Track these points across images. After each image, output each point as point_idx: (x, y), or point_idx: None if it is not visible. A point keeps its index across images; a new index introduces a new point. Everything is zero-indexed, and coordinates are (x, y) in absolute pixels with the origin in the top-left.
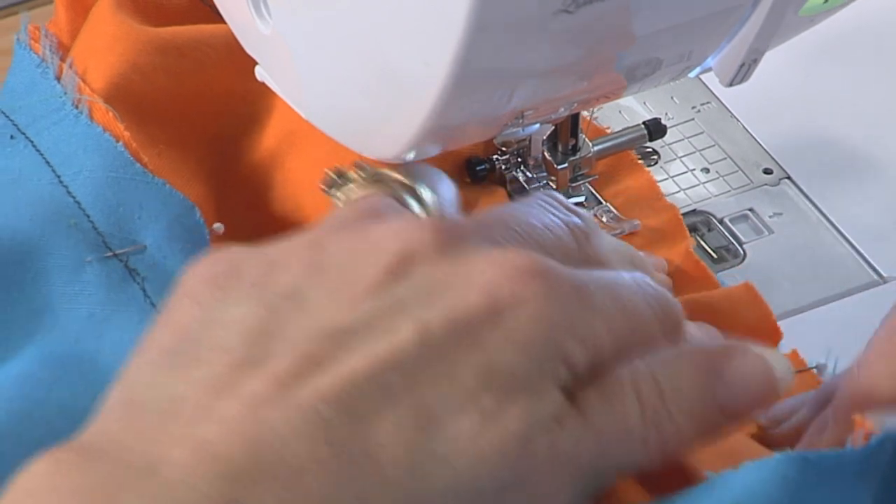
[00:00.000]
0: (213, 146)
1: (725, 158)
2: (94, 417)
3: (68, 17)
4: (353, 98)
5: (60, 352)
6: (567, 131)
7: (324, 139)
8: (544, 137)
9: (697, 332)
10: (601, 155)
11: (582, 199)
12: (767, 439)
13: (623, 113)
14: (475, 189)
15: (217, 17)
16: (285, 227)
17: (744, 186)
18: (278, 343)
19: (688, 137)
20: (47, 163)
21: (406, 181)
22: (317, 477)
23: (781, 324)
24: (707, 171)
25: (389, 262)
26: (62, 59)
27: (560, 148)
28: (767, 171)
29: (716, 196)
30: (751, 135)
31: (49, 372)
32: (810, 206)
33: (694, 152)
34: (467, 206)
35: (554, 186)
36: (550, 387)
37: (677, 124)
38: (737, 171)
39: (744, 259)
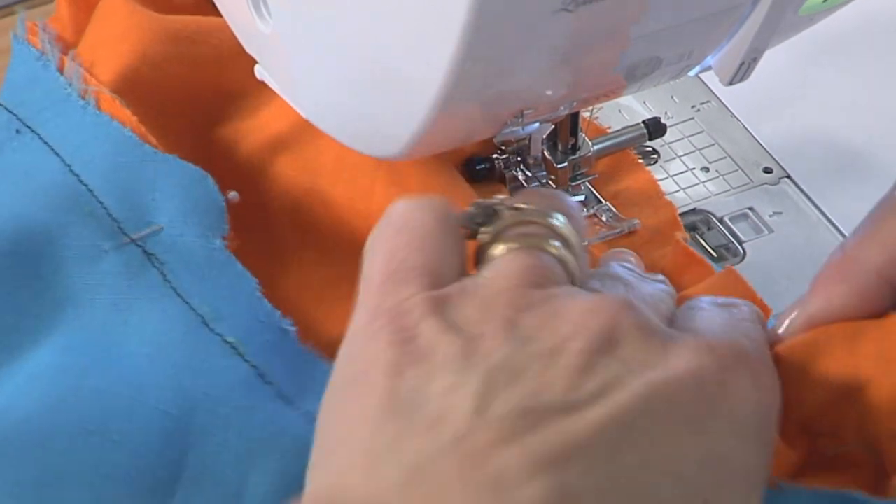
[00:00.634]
0: (222, 133)
1: (725, 157)
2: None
3: (70, 13)
4: (353, 97)
5: (88, 340)
6: (567, 130)
7: None
8: (544, 136)
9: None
10: (601, 154)
11: (582, 198)
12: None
13: (623, 112)
14: (475, 188)
15: None
16: (299, 214)
17: (743, 185)
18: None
19: (687, 136)
20: (56, 154)
21: (543, 218)
22: None
23: None
24: (707, 170)
25: (593, 340)
26: (63, 53)
27: (560, 147)
28: (767, 170)
29: (715, 195)
30: (750, 134)
31: (79, 360)
32: (810, 205)
33: (694, 151)
34: (467, 205)
35: (553, 185)
36: None
37: (677, 123)
38: (736, 170)
39: (743, 258)
